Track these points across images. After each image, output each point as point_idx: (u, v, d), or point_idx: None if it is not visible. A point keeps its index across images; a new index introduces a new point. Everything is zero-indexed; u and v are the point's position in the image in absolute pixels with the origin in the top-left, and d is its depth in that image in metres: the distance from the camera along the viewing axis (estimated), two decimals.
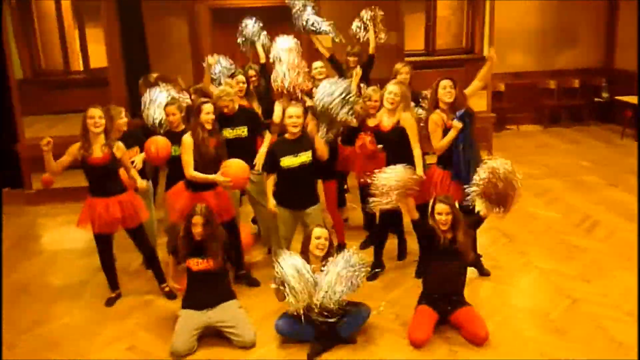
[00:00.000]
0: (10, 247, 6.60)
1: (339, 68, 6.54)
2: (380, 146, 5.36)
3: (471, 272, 5.26)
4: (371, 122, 5.50)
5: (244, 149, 5.41)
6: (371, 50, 6.69)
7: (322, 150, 5.11)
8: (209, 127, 5.00)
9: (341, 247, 5.47)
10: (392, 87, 5.27)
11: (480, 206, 4.67)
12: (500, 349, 4.37)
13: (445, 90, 5.03)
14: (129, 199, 5.07)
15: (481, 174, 4.57)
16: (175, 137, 5.25)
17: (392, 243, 5.76)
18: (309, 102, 5.71)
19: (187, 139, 5.01)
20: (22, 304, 5.36)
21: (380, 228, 5.58)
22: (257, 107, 6.04)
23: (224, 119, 5.38)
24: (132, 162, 5.26)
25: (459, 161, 5.01)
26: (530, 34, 10.68)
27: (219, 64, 6.39)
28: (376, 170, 4.88)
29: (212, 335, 4.59)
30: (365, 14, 6.72)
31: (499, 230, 6.28)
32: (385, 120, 5.33)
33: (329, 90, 5.36)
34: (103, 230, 5.04)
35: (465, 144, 5.00)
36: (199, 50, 6.50)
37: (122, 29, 8.16)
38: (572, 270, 5.51)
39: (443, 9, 10.15)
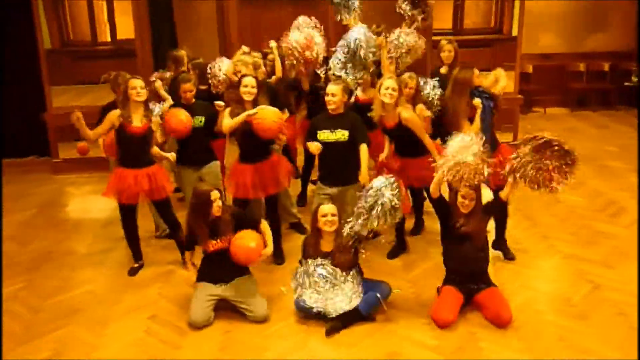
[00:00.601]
0: (36, 215, 6.71)
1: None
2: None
3: (496, 256, 5.25)
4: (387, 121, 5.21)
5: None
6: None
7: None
8: (248, 98, 5.05)
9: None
10: (390, 82, 5.00)
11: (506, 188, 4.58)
12: (519, 332, 4.36)
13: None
14: (156, 171, 5.13)
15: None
16: (189, 110, 5.39)
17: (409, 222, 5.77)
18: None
19: (227, 109, 5.15)
20: (46, 271, 5.45)
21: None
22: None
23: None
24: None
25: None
26: (560, 15, 10.51)
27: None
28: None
29: (232, 309, 4.64)
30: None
31: (522, 214, 6.24)
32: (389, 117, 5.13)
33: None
34: (130, 201, 5.11)
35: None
36: (224, 26, 6.48)
37: (149, 1, 8.17)
38: (595, 256, 5.46)
39: None
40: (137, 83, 4.94)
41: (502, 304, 4.46)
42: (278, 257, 5.40)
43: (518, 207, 6.05)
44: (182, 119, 5.29)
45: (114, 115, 4.98)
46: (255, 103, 5.09)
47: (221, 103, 5.41)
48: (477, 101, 4.96)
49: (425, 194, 5.33)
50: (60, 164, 8.01)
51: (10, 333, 4.46)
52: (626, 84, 10.67)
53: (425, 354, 4.17)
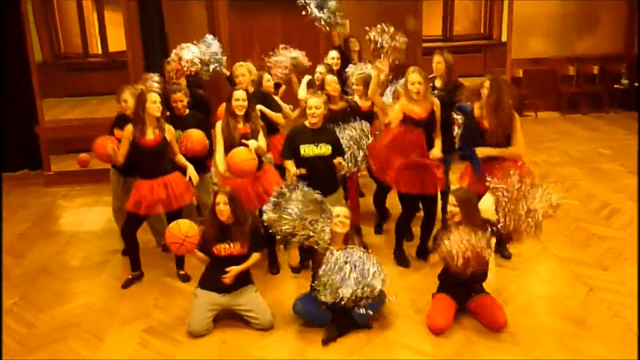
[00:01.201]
0: (30, 228, 6.68)
1: (346, 57, 6.53)
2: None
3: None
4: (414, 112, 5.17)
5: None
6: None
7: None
8: (239, 112, 5.05)
9: (357, 230, 5.45)
10: (415, 76, 5.02)
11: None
12: (516, 337, 4.36)
13: (483, 89, 5.00)
14: (175, 179, 5.12)
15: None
16: (180, 122, 5.39)
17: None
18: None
19: (218, 124, 5.15)
20: (41, 284, 5.42)
21: (403, 220, 5.48)
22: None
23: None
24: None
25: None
26: (549, 19, 10.57)
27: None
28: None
29: (229, 317, 4.63)
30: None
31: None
32: (417, 109, 5.12)
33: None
34: (147, 212, 5.10)
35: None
36: (216, 36, 6.52)
37: (140, 13, 8.16)
38: (590, 258, 5.48)
39: None
40: (157, 98, 4.95)
41: (497, 309, 4.46)
42: (273, 266, 5.39)
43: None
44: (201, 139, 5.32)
45: (128, 131, 5.00)
46: (247, 116, 5.09)
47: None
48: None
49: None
50: (52, 177, 7.97)
51: (6, 349, 4.42)
52: (616, 86, 10.75)
53: None
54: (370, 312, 4.41)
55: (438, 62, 5.73)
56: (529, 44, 10.50)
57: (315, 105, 5.02)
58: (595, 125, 10.02)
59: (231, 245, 4.52)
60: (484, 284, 4.63)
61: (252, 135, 5.07)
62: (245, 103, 5.07)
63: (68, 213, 7.22)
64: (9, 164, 8.36)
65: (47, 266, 5.75)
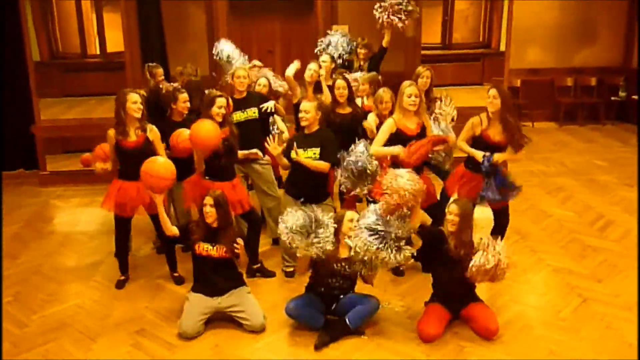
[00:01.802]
0: (24, 228, 6.66)
1: (348, 67, 6.56)
2: None
3: None
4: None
5: (256, 131, 5.52)
6: (385, 43, 6.71)
7: (315, 166, 5.05)
8: (219, 119, 5.03)
9: None
10: (412, 89, 5.01)
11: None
12: (509, 346, 4.36)
13: (488, 100, 4.99)
14: None
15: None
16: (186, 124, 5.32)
17: None
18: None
19: None
20: (34, 284, 5.39)
21: None
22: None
23: (234, 102, 5.44)
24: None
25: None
26: (548, 30, 10.63)
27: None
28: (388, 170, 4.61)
29: (221, 320, 4.62)
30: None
31: (511, 228, 6.22)
32: (409, 124, 5.09)
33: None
34: (132, 213, 5.09)
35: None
36: (214, 39, 6.52)
37: (139, 14, 8.17)
38: (584, 270, 5.48)
39: (461, 3, 10.06)
40: (137, 98, 4.93)
41: (489, 316, 4.47)
42: (255, 260, 5.40)
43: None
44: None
45: (111, 133, 4.99)
46: (225, 121, 5.09)
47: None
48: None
49: None
50: (48, 177, 7.96)
51: None
52: (613, 98, 10.78)
53: None
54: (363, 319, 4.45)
55: (428, 77, 5.89)
56: (527, 54, 10.55)
57: (305, 110, 5.04)
58: (592, 136, 10.04)
59: (214, 247, 4.52)
60: (477, 292, 4.64)
61: (232, 138, 5.09)
62: (224, 111, 5.09)
63: (62, 213, 7.20)
64: (5, 163, 8.34)
65: (40, 266, 5.73)
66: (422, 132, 5.09)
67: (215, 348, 4.40)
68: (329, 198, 5.22)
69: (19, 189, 7.87)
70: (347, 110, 5.68)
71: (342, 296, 4.50)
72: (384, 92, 5.37)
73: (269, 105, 5.51)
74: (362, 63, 6.85)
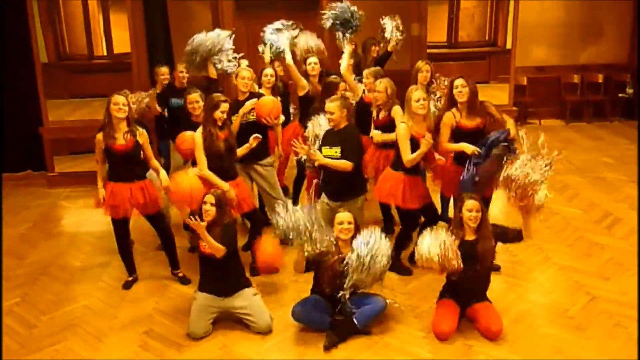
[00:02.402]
0: (31, 229, 6.69)
1: (357, 66, 6.60)
2: None
3: None
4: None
5: (256, 132, 5.46)
6: (390, 47, 6.78)
7: (336, 166, 5.09)
8: (219, 123, 5.08)
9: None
10: (420, 94, 5.04)
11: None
12: (516, 345, 4.36)
13: (457, 90, 5.02)
14: (148, 184, 5.13)
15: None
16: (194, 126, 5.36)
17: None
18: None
19: (198, 136, 5.10)
20: (42, 285, 5.43)
21: (404, 234, 5.43)
22: None
23: (238, 104, 5.47)
24: None
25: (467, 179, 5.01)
26: (554, 27, 10.57)
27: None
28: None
29: (229, 320, 4.63)
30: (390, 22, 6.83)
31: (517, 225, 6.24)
32: (420, 130, 5.11)
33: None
34: (127, 215, 5.10)
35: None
36: None
37: (145, 15, 8.19)
38: (591, 267, 5.47)
39: (467, 1, 10.01)
40: (119, 99, 4.92)
41: (493, 317, 4.45)
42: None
43: (512, 218, 6.03)
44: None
45: (99, 137, 4.99)
46: (224, 124, 5.13)
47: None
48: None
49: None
50: (55, 178, 7.99)
51: (6, 349, 4.43)
52: (620, 95, 10.73)
53: None
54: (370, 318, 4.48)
55: (428, 71, 6.02)
56: (533, 52, 10.51)
57: (329, 111, 5.11)
58: (599, 134, 10.00)
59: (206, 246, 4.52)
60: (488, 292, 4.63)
61: (231, 140, 5.13)
62: (226, 116, 5.14)
63: (70, 214, 7.23)
64: (12, 165, 8.37)
65: (48, 267, 5.76)
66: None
67: (224, 348, 4.41)
68: (360, 197, 5.24)
69: (26, 190, 7.91)
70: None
71: (348, 296, 4.51)
72: (380, 83, 5.54)
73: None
74: (368, 59, 6.94)
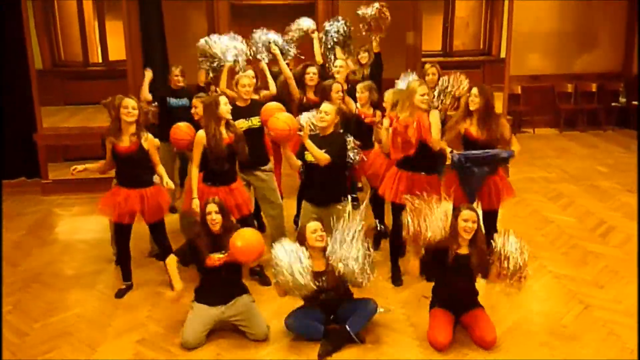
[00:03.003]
0: (26, 236, 6.66)
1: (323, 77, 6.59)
2: None
3: None
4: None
5: (256, 139, 5.51)
6: (375, 48, 6.75)
7: (316, 155, 5.04)
8: (228, 116, 5.07)
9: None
10: (424, 88, 4.99)
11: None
12: (511, 353, 4.35)
13: (470, 98, 5.01)
14: (153, 193, 5.11)
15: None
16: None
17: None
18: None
19: (201, 134, 5.09)
20: (35, 293, 5.39)
21: (395, 239, 5.38)
22: None
23: (237, 110, 5.43)
24: None
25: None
26: (548, 36, 10.64)
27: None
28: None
29: (224, 329, 4.61)
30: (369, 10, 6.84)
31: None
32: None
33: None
34: (121, 219, 5.08)
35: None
36: None
37: (141, 22, 8.18)
38: (586, 276, 5.47)
39: (461, 10, 10.08)
40: (129, 103, 4.95)
41: (487, 326, 4.44)
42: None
43: (508, 227, 6.04)
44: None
45: (108, 139, 5.02)
46: (228, 124, 5.13)
47: None
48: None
49: None
50: (49, 185, 7.95)
51: None
52: (614, 104, 10.81)
53: None
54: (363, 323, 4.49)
55: (433, 73, 5.98)
56: (527, 61, 10.57)
57: (325, 110, 5.07)
58: (593, 142, 10.04)
59: (224, 254, 4.50)
60: (479, 299, 4.62)
61: (237, 143, 5.10)
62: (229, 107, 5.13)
63: (64, 222, 7.20)
64: (6, 172, 8.33)
65: (41, 275, 5.73)
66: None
67: (218, 357, 4.39)
68: (346, 201, 5.16)
69: (20, 197, 7.87)
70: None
71: (340, 304, 4.50)
72: (361, 86, 5.83)
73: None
74: (365, 72, 6.88)
